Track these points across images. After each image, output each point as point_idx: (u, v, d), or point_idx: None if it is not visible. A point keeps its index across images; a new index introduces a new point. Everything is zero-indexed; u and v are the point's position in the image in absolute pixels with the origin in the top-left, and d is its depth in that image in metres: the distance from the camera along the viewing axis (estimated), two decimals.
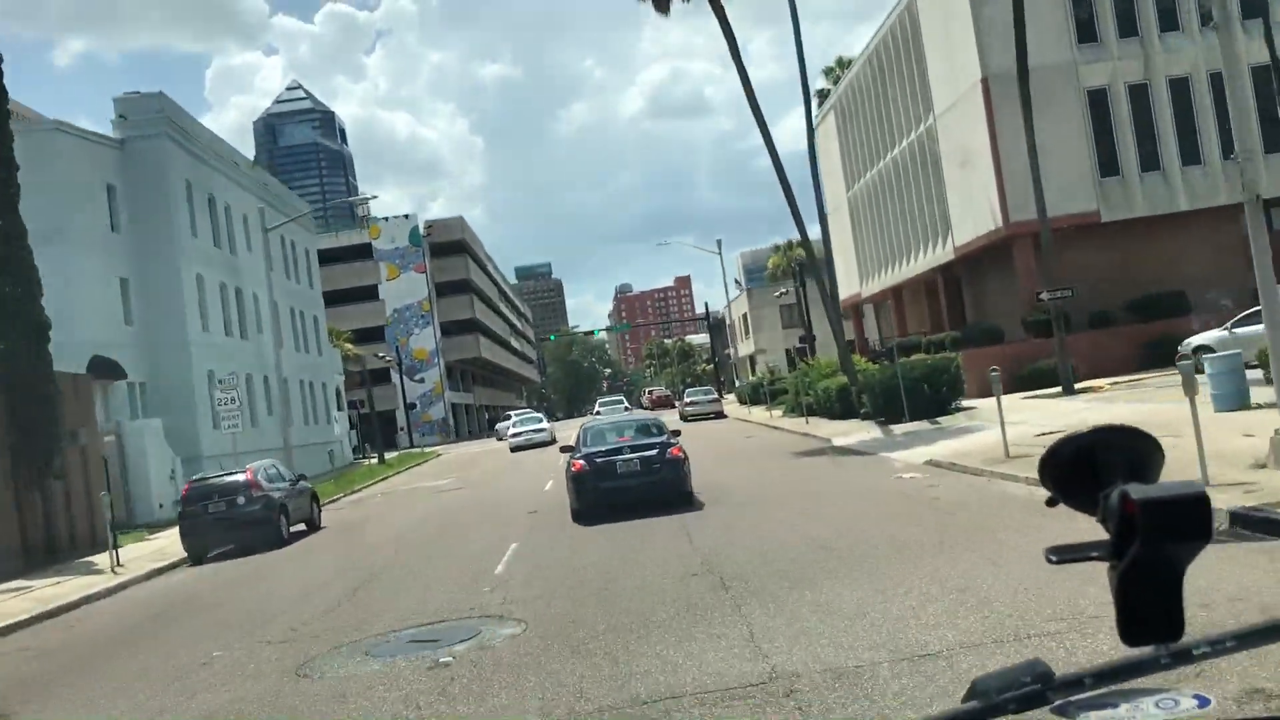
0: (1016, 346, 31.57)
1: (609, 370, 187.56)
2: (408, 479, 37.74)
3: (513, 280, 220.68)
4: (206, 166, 38.57)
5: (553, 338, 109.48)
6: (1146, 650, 1.25)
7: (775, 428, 35.21)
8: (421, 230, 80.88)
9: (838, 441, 25.02)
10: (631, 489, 15.91)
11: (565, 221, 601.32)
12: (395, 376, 77.05)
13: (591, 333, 76.07)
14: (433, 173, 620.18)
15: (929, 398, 26.58)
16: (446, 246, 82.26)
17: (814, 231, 37.60)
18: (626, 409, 52.51)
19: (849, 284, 52.35)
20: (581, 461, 16.16)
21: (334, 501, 29.91)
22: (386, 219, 79.12)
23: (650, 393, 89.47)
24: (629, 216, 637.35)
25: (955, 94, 35.35)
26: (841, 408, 31.76)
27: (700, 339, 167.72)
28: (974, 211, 35.05)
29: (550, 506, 18.35)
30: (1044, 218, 27.58)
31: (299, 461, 40.20)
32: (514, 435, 44.69)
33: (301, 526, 21.81)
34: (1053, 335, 27.37)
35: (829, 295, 33.27)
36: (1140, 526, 1.19)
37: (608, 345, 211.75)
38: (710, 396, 49.50)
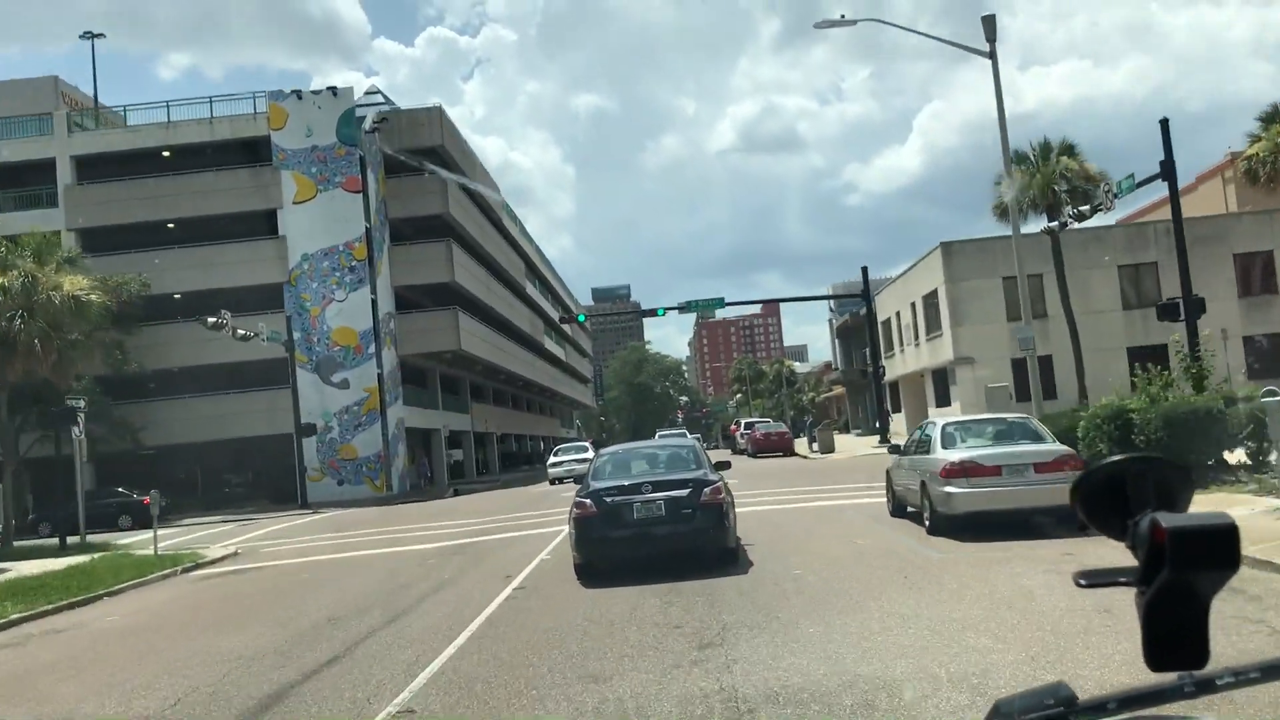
0: None
1: (685, 398, 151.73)
2: None
3: (587, 302, 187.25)
4: None
5: (581, 318, 74.61)
6: (1170, 678, 1.25)
7: None
8: (368, 123, 46.49)
9: None
10: (652, 540, 11.98)
11: (650, 253, 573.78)
12: (299, 375, 42.61)
13: (655, 312, 40.23)
14: (522, 200, 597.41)
15: None
16: (410, 158, 47.58)
17: None
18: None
19: None
20: (588, 501, 12.18)
21: None
22: (300, 95, 44.72)
23: (749, 428, 53.53)
24: (714, 250, 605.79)
25: None
26: None
27: (804, 367, 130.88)
28: None
29: None
30: None
31: None
32: (553, 465, 39.74)
33: None
34: None
35: None
36: (1169, 554, 1.19)
37: (685, 369, 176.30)
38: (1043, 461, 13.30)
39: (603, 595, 11.08)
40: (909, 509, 15.66)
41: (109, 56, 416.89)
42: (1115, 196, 27.58)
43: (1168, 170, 25.28)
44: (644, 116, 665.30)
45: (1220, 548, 1.19)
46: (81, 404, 24.97)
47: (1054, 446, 13.60)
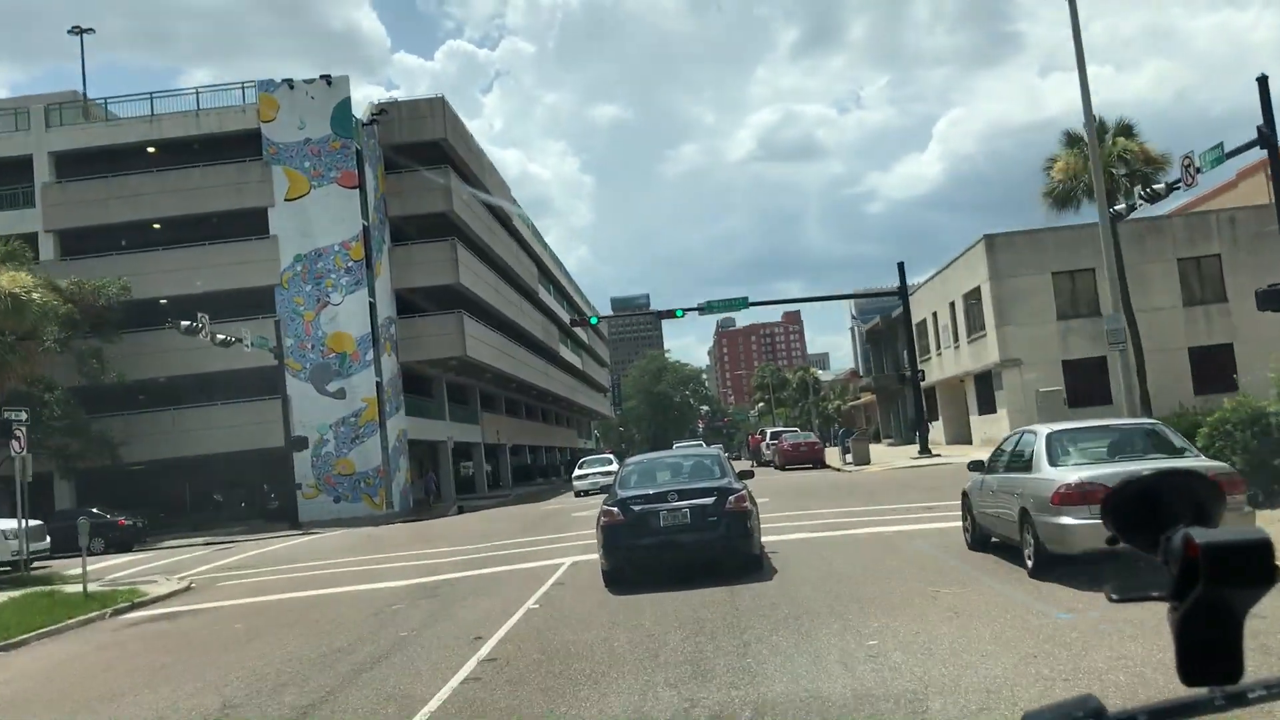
0: None
1: (705, 407, 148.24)
2: None
3: (607, 312, 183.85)
4: None
5: (594, 321, 71.53)
6: (1201, 691, 1.23)
7: None
8: (366, 115, 43.58)
9: None
10: (678, 548, 12.12)
11: (670, 262, 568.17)
12: (291, 384, 39.67)
13: (674, 313, 37.01)
14: (541, 211, 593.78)
15: None
16: (411, 152, 44.57)
17: None
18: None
19: None
20: (615, 510, 12.36)
21: None
22: (291, 84, 41.80)
23: (775, 437, 50.18)
24: (735, 259, 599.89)
25: None
26: None
27: (827, 375, 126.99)
28: None
29: None
30: None
31: None
32: (578, 479, 39.78)
33: None
34: None
35: None
36: (1203, 570, 1.17)
37: (705, 378, 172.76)
38: None
39: (599, 675, 7.84)
40: (993, 539, 12.37)
41: (130, 73, 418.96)
42: (1198, 171, 24.12)
43: (1266, 137, 21.85)
44: (662, 126, 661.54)
45: (1255, 563, 1.16)
46: (22, 416, 21.91)
47: (1204, 462, 10.24)
